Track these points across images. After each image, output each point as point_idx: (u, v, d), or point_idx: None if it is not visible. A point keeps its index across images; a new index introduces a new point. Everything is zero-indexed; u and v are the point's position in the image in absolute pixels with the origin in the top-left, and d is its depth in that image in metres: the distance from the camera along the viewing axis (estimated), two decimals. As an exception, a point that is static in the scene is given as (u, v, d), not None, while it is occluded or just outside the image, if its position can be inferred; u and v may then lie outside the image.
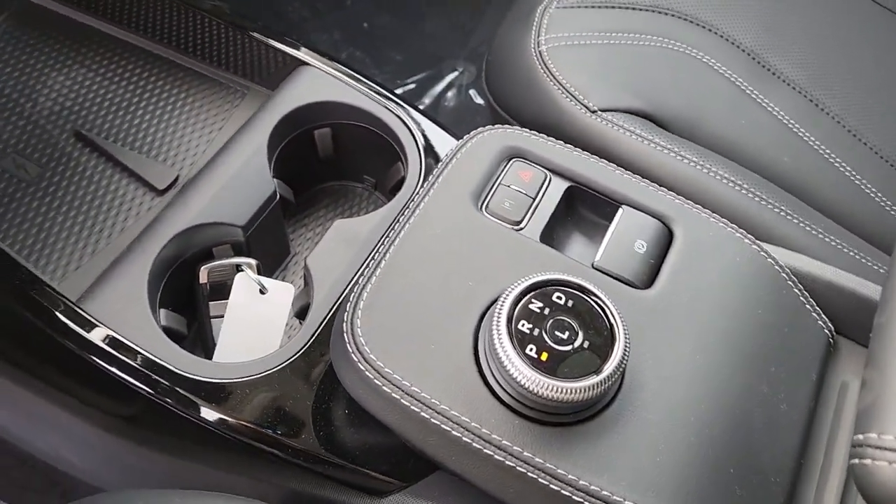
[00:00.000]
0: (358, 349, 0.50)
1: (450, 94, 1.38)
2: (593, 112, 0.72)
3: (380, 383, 0.49)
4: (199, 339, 0.69)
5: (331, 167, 0.79)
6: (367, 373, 0.50)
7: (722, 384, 0.52)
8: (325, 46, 1.43)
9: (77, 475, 0.88)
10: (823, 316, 0.58)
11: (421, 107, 1.36)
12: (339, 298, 0.63)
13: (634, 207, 0.58)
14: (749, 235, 0.58)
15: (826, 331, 0.58)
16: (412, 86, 1.39)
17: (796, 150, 0.76)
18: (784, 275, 0.58)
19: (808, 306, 0.58)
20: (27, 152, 0.75)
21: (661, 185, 0.60)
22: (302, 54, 0.77)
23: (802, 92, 0.79)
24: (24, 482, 0.98)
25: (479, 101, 1.37)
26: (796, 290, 0.58)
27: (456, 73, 1.40)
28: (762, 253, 0.58)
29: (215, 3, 0.80)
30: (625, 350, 0.47)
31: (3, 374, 0.71)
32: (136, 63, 0.82)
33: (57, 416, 0.72)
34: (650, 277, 0.55)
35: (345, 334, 0.51)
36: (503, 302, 0.48)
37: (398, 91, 1.38)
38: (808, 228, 0.68)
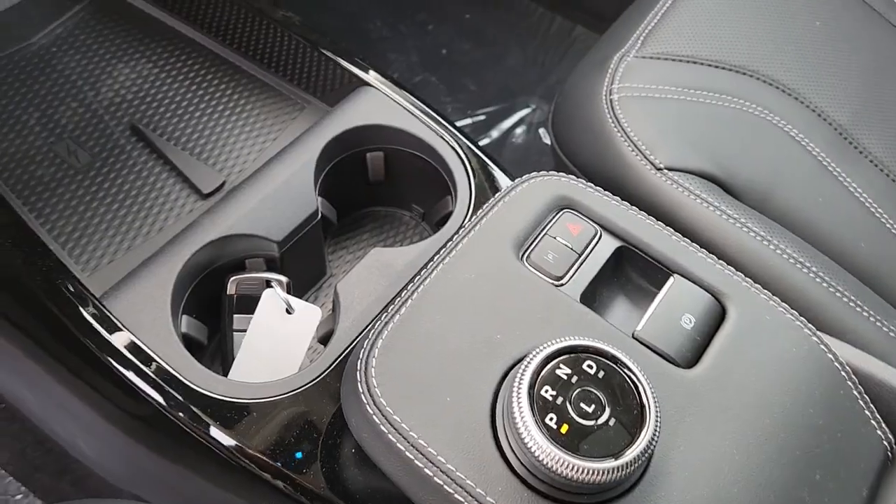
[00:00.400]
0: (369, 390, 0.47)
1: (519, 130, 1.35)
2: (659, 169, 0.68)
3: (385, 430, 0.46)
4: (220, 351, 0.67)
5: (379, 192, 0.77)
6: (374, 416, 0.47)
7: (758, 486, 0.47)
8: (400, 68, 1.43)
9: (89, 465, 0.87)
10: (884, 426, 0.52)
11: (487, 140, 1.34)
12: (363, 330, 0.60)
13: (687, 278, 0.54)
14: (810, 325, 0.53)
15: (885, 442, 0.52)
16: (482, 117, 1.37)
17: (875, 236, 0.70)
18: (843, 374, 0.52)
19: (867, 412, 0.52)
20: (81, 139, 0.75)
21: (720, 257, 0.56)
22: (366, 75, 0.75)
23: (890, 174, 0.74)
24: (38, 463, 0.98)
25: (548, 141, 1.34)
26: (855, 393, 0.52)
27: (528, 110, 1.37)
28: (822, 346, 0.53)
29: (286, 13, 0.79)
30: (654, 434, 0.43)
31: (28, 352, 0.71)
32: (202, 63, 0.82)
33: (73, 403, 0.72)
34: (694, 356, 0.51)
35: (358, 372, 0.48)
36: (528, 363, 0.44)
37: (467, 121, 1.37)
38: (877, 323, 0.63)
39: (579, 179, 0.58)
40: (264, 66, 0.81)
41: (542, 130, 1.36)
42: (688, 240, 0.56)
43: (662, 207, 0.67)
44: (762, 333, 0.52)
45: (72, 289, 0.60)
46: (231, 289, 0.65)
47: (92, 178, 0.73)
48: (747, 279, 0.55)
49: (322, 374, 0.58)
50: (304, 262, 0.71)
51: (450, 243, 0.54)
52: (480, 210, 0.56)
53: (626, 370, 0.45)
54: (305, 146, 0.69)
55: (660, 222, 0.57)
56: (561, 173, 0.58)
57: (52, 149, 0.74)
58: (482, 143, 1.34)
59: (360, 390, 0.48)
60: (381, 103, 0.72)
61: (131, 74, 0.81)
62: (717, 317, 0.53)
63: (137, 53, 0.82)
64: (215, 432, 0.56)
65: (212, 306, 0.66)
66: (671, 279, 0.54)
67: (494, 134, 1.34)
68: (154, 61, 0.82)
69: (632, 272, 0.56)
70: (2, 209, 0.65)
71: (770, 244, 0.64)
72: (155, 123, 0.77)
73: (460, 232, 0.55)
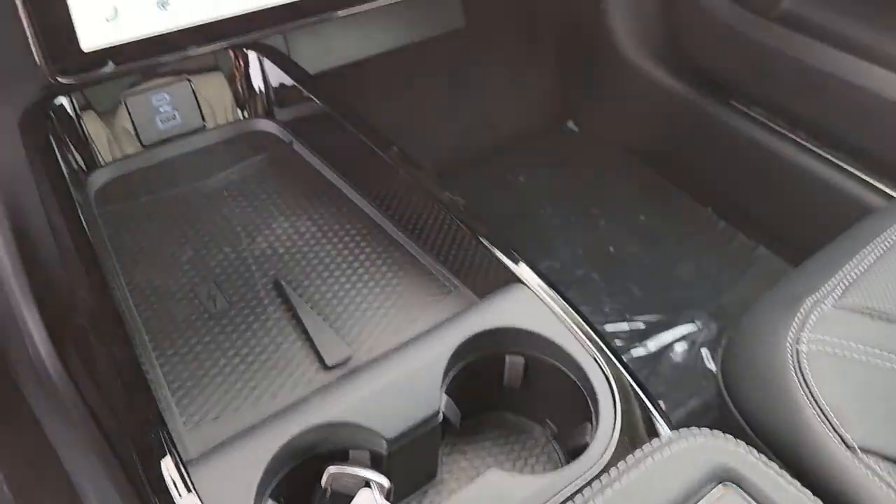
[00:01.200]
0: None
1: (679, 347, 1.24)
2: (850, 448, 0.56)
3: None
4: (299, 547, 0.60)
5: (512, 398, 0.69)
6: None
7: None
8: (564, 259, 1.38)
9: None
10: None
11: (643, 350, 1.24)
12: (456, 570, 0.51)
13: None
14: None
15: None
16: (641, 325, 1.27)
17: None
18: None
19: None
20: (224, 285, 0.74)
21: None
22: (517, 268, 0.70)
23: None
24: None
25: (711, 365, 1.21)
26: None
27: (693, 328, 1.26)
28: None
29: (453, 196, 0.76)
30: None
31: (115, 484, 0.68)
32: (359, 229, 0.80)
33: None
34: None
35: None
36: None
37: (624, 326, 1.28)
38: None
39: (751, 448, 0.48)
40: (419, 243, 0.78)
41: (704, 351, 1.24)
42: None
43: (850, 496, 0.54)
44: None
45: (162, 447, 0.56)
46: (326, 480, 0.58)
47: (222, 327, 0.70)
48: None
49: None
50: (414, 463, 0.63)
51: (580, 496, 0.45)
52: (623, 461, 0.47)
53: None
54: (442, 337, 0.64)
55: (849, 524, 0.45)
56: (728, 436, 0.48)
57: (193, 289, 0.73)
58: (636, 352, 1.24)
59: None
60: (530, 305, 0.66)
61: (289, 229, 0.80)
62: None
63: (300, 209, 0.82)
64: None
65: (302, 493, 0.60)
66: None
67: (651, 346, 1.24)
68: (314, 219, 0.81)
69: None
70: (124, 345, 0.63)
71: None
72: (297, 281, 0.75)
73: (595, 485, 0.46)
